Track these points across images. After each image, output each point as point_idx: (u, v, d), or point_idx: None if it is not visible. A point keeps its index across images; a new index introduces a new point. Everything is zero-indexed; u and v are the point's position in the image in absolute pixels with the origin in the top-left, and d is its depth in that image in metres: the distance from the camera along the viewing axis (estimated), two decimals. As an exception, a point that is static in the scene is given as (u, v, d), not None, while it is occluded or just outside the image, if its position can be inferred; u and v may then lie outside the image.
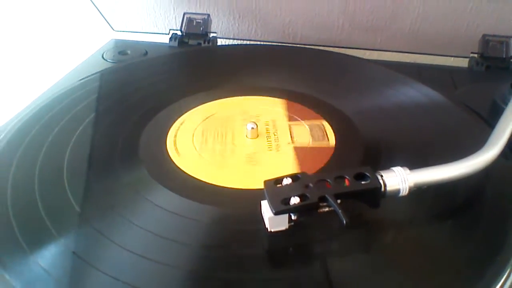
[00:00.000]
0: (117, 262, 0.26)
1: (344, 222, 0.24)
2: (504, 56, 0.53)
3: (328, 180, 0.27)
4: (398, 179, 0.27)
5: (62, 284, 0.25)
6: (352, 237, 0.28)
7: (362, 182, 0.27)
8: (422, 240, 0.28)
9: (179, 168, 0.34)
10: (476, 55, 0.54)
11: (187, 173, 0.33)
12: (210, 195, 0.31)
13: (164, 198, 0.31)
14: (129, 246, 0.27)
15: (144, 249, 0.27)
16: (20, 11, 0.72)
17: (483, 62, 0.53)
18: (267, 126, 0.39)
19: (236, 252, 0.27)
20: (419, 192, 0.28)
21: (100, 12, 0.61)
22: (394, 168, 0.28)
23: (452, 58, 0.56)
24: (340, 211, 0.24)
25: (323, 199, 0.26)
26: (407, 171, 0.27)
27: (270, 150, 0.36)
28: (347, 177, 0.27)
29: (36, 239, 0.28)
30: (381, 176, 0.27)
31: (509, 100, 0.38)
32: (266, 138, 0.37)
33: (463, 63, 0.54)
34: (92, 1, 0.59)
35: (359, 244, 0.28)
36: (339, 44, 0.59)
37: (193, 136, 0.38)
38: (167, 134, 0.38)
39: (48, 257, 0.27)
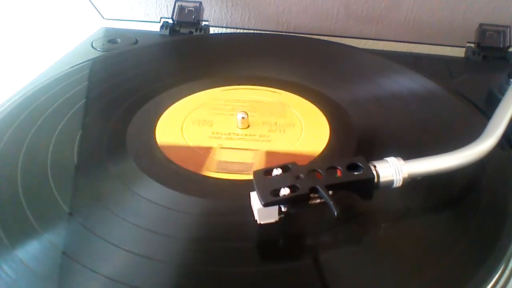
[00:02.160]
0: (103, 257, 0.25)
1: (335, 213, 0.23)
2: (501, 46, 0.52)
3: (320, 171, 0.26)
4: (391, 170, 0.26)
5: (47, 280, 0.24)
6: (344, 229, 0.27)
7: (355, 173, 0.26)
8: (416, 232, 0.28)
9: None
10: (472, 45, 0.53)
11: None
12: (199, 186, 0.31)
13: (152, 190, 0.30)
14: (115, 241, 0.26)
15: (131, 243, 0.26)
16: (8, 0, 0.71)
17: (479, 52, 0.52)
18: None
19: (225, 244, 0.26)
20: (414, 183, 0.28)
21: (90, 0, 0.60)
22: (388, 159, 0.27)
23: (449, 47, 0.55)
24: (331, 202, 0.24)
25: (314, 190, 0.25)
26: (401, 161, 0.27)
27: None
28: (339, 167, 0.26)
29: (19, 234, 0.27)
30: (375, 166, 0.26)
31: (506, 90, 0.37)
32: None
33: (460, 52, 0.53)
34: (81, -12, 0.58)
35: (351, 237, 0.27)
36: (334, 33, 0.58)
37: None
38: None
39: (32, 253, 0.26)
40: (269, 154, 0.34)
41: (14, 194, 0.29)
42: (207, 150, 0.34)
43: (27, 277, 0.24)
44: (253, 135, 0.36)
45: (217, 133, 0.36)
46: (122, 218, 0.28)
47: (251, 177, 0.26)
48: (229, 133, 0.36)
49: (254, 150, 0.34)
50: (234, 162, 0.33)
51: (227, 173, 0.32)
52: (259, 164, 0.33)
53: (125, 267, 0.25)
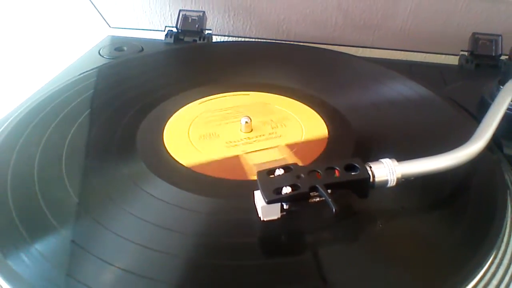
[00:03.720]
0: (115, 250, 0.27)
1: (334, 210, 0.25)
2: (493, 54, 0.54)
3: (319, 171, 0.28)
4: (386, 170, 0.28)
5: (62, 271, 0.26)
6: (342, 226, 0.29)
7: (352, 173, 0.28)
8: (410, 228, 0.29)
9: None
10: (466, 53, 0.55)
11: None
12: (205, 186, 0.32)
13: (161, 189, 0.32)
14: (126, 235, 0.28)
15: (142, 237, 0.28)
16: (17, 9, 0.73)
17: (473, 60, 0.54)
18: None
19: (230, 240, 0.28)
20: (408, 183, 0.29)
21: (97, 9, 0.62)
22: (383, 160, 0.29)
23: (443, 55, 0.57)
24: (330, 199, 0.25)
25: (313, 188, 0.27)
26: (395, 162, 0.29)
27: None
28: (337, 168, 0.28)
29: (37, 229, 0.29)
30: (370, 167, 0.28)
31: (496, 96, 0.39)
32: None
33: (454, 60, 0.55)
34: (88, -2, 0.60)
35: (348, 233, 0.29)
36: (332, 42, 0.60)
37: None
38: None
39: (48, 246, 0.27)
40: (290, 146, 0.36)
41: (32, 193, 0.31)
42: (236, 158, 0.35)
43: (44, 268, 0.26)
44: (263, 135, 0.38)
45: (230, 141, 0.37)
46: (135, 215, 0.29)
47: (255, 177, 0.28)
48: (241, 139, 0.37)
49: (274, 147, 0.36)
50: (269, 162, 0.34)
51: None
52: (290, 157, 0.35)
53: (137, 260, 0.27)
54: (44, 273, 0.26)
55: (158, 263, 0.26)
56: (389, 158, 0.29)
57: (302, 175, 0.27)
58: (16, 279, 0.25)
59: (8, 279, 0.25)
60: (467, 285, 0.25)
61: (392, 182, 0.28)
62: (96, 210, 0.30)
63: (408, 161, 0.29)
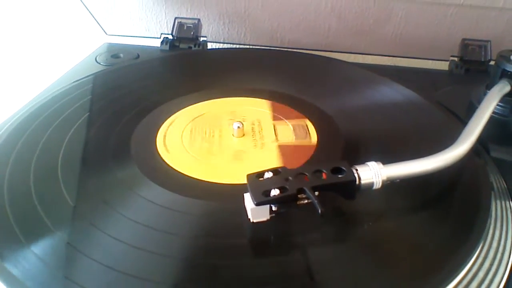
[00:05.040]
0: (111, 252, 0.28)
1: (319, 211, 0.26)
2: (483, 60, 0.55)
3: (307, 174, 0.29)
4: (372, 173, 0.29)
5: (58, 273, 0.27)
6: (329, 227, 0.30)
7: (339, 176, 0.29)
8: (395, 229, 0.30)
9: (168, 165, 0.36)
10: (456, 59, 0.56)
11: (176, 170, 0.35)
12: (197, 190, 0.33)
13: (154, 193, 0.32)
14: (122, 238, 0.29)
15: (136, 240, 0.29)
16: (15, 16, 0.74)
17: (462, 65, 0.55)
18: (253, 125, 0.41)
19: (221, 241, 0.29)
20: (394, 185, 0.30)
21: (94, 17, 0.63)
22: (369, 163, 0.30)
23: (433, 61, 0.58)
24: (316, 201, 0.26)
25: (301, 191, 0.27)
26: (380, 165, 0.29)
27: (255, 147, 0.38)
28: (324, 171, 0.29)
29: (33, 232, 0.29)
30: (356, 170, 0.29)
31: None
32: (251, 137, 0.39)
33: (444, 66, 0.56)
34: (85, 6, 0.61)
35: (336, 234, 0.30)
36: (325, 48, 0.61)
37: (182, 134, 0.39)
38: (157, 133, 0.39)
39: (45, 249, 0.28)
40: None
41: (28, 197, 0.32)
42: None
43: (40, 269, 0.27)
44: (254, 140, 0.39)
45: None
46: (129, 218, 0.30)
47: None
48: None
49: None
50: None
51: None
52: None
53: (129, 261, 0.27)
54: (40, 275, 0.26)
55: (152, 264, 0.27)
56: (375, 161, 0.30)
57: (290, 178, 0.28)
58: (13, 282, 0.26)
59: (5, 281, 0.26)
60: (450, 282, 0.26)
61: (377, 185, 0.29)
62: (91, 213, 0.31)
63: (393, 164, 0.30)
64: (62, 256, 0.28)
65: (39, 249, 0.28)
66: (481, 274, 0.27)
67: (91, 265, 0.27)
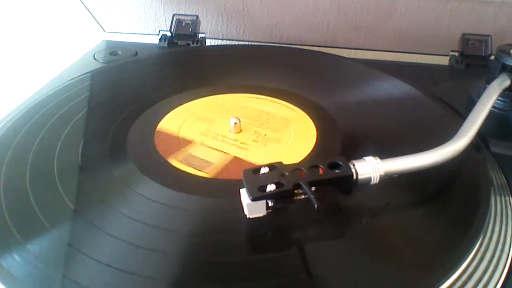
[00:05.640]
0: (109, 250, 0.28)
1: (316, 206, 0.26)
2: (483, 54, 0.54)
3: (303, 169, 0.28)
4: (369, 168, 0.29)
5: (56, 272, 0.26)
6: (326, 223, 0.29)
7: (336, 171, 0.28)
8: (393, 224, 0.30)
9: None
10: (456, 53, 0.55)
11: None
12: (195, 185, 0.33)
13: (152, 190, 0.32)
14: (119, 235, 0.28)
15: (134, 237, 0.28)
16: (13, 14, 0.74)
17: (463, 60, 0.54)
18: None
19: (218, 237, 0.29)
20: (393, 180, 0.30)
21: (92, 14, 0.63)
22: (366, 158, 0.29)
23: (433, 56, 0.58)
24: (312, 196, 0.26)
25: (297, 186, 0.27)
26: (378, 160, 0.29)
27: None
28: (321, 166, 0.29)
29: (30, 231, 0.29)
30: (353, 165, 0.29)
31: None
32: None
33: (444, 61, 0.56)
34: (84, 4, 0.61)
35: (333, 229, 0.29)
36: (324, 44, 0.61)
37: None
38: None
39: (42, 247, 0.28)
40: (235, 160, 0.36)
41: (24, 195, 0.32)
42: (188, 142, 0.37)
43: (38, 268, 0.27)
44: (236, 141, 0.38)
45: (209, 131, 0.39)
46: (127, 215, 0.30)
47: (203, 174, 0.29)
48: (218, 134, 0.38)
49: (225, 153, 0.36)
50: (200, 159, 0.35)
51: (188, 166, 0.35)
52: (218, 165, 0.35)
53: (127, 258, 0.27)
54: (38, 273, 0.26)
55: (150, 261, 0.27)
56: (374, 156, 0.30)
57: (287, 173, 0.28)
58: (10, 279, 0.26)
59: (2, 280, 0.26)
60: (450, 276, 0.26)
61: (375, 180, 0.29)
62: (88, 211, 0.31)
63: (391, 158, 0.30)
64: (60, 255, 0.28)
65: (36, 247, 0.28)
66: (481, 268, 0.27)
67: (89, 263, 0.27)
